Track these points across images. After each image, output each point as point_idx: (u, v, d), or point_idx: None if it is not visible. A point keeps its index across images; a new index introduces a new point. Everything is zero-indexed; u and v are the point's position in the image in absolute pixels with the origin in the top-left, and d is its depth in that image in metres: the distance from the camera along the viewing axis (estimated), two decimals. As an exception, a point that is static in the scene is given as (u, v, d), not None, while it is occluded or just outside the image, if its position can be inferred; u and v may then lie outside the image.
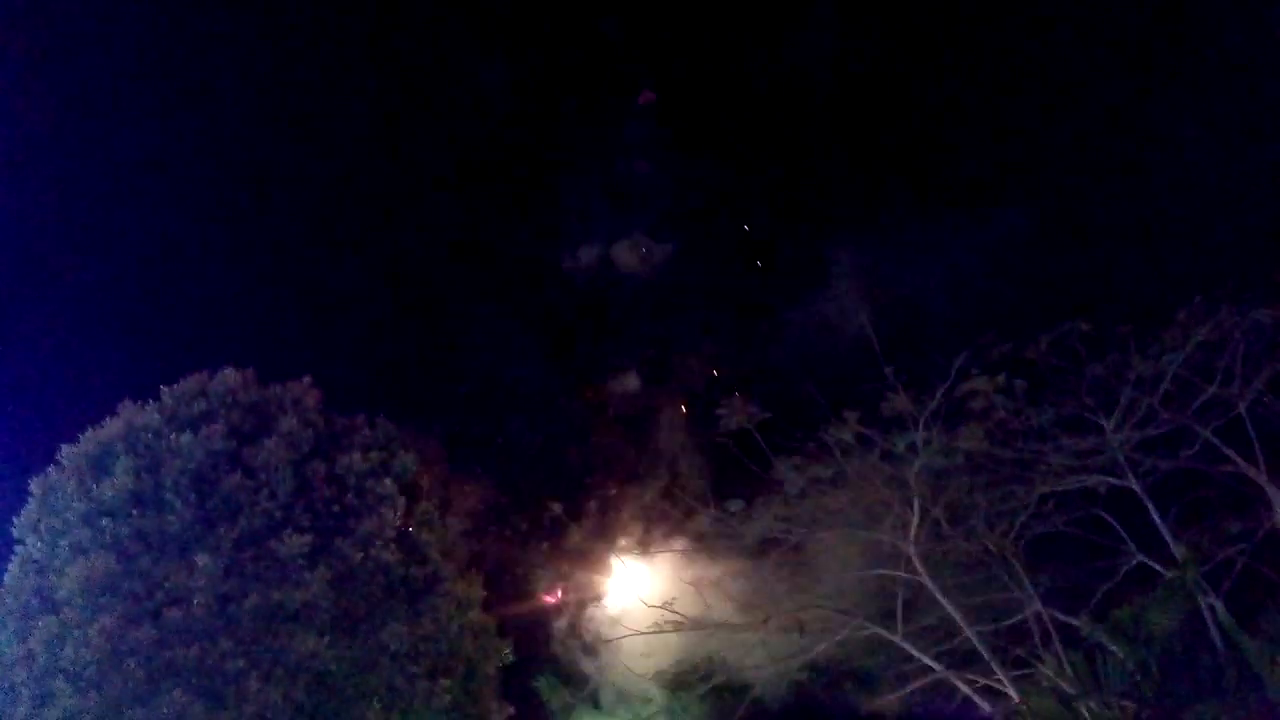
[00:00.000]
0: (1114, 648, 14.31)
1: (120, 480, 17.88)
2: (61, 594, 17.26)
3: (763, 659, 16.30)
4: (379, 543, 18.47)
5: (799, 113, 29.24)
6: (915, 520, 15.39)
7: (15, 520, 18.83)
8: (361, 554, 18.24)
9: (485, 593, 20.61)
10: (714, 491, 17.76)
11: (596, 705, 22.10)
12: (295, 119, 30.00)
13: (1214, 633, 14.73)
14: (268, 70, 29.10)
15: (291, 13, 29.10)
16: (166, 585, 17.28)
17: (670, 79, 30.28)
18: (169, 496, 17.81)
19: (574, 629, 22.98)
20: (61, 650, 16.77)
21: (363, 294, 30.57)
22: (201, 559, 17.17)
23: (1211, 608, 14.85)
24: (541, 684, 17.87)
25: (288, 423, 19.07)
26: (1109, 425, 16.23)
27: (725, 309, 30.12)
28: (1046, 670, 14.58)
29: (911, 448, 15.70)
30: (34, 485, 18.86)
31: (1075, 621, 15.17)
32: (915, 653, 15.39)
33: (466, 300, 30.47)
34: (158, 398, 19.48)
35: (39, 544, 18.31)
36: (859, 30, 27.81)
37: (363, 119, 30.84)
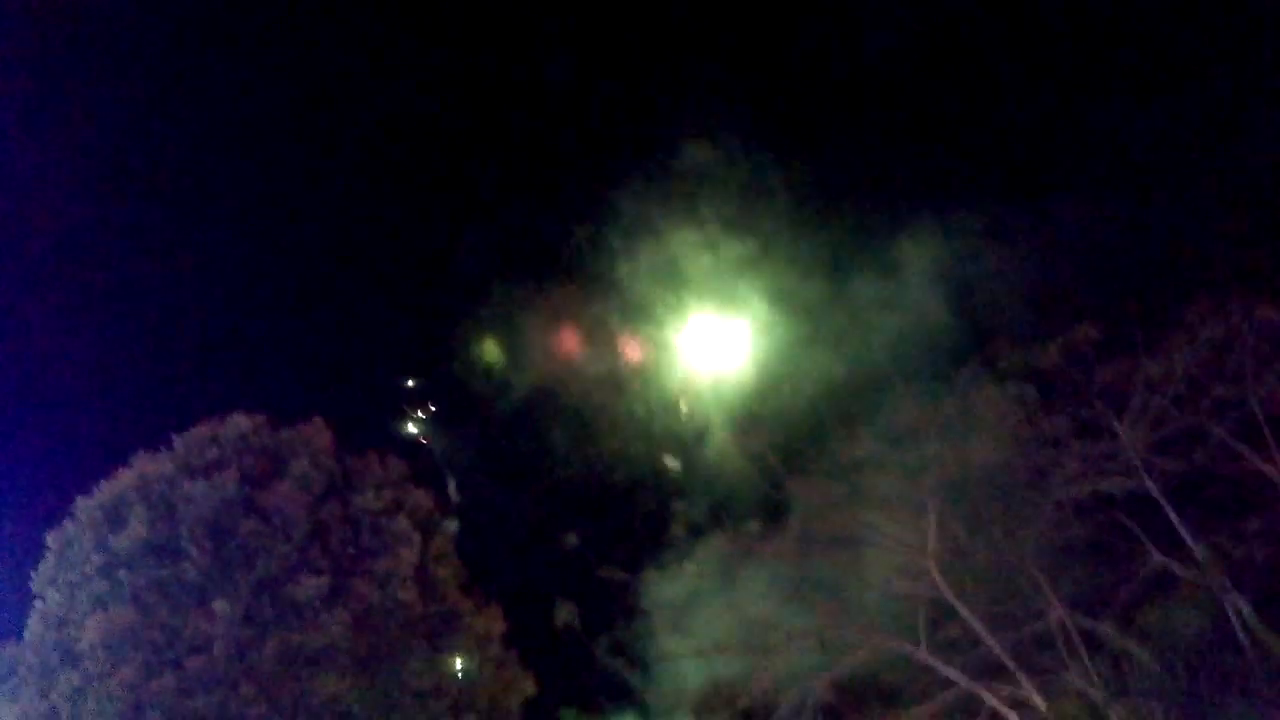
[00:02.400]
0: (1139, 652, 14.21)
1: (136, 530, 17.91)
2: (82, 647, 17.27)
3: (787, 680, 16.20)
4: (396, 581, 18.46)
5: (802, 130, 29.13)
6: (933, 533, 15.31)
7: (34, 574, 18.86)
8: (379, 594, 18.23)
9: (505, 625, 20.56)
10: (730, 512, 17.72)
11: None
12: (311, 154, 30.03)
13: (1240, 633, 14.60)
14: (297, 102, 29.16)
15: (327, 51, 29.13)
16: (186, 634, 17.29)
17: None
18: (185, 545, 17.84)
19: (597, 657, 22.87)
20: (84, 704, 16.78)
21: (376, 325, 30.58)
22: (220, 606, 17.17)
23: (1236, 608, 14.73)
24: (566, 717, 17.77)
25: (300, 465, 19.10)
26: (1122, 428, 16.16)
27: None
28: (1073, 677, 14.46)
29: (926, 461, 15.66)
30: (50, 539, 18.90)
31: (1099, 627, 15.05)
32: (940, 666, 15.26)
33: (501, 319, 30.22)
34: (170, 446, 19.54)
35: (58, 598, 18.33)
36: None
37: (381, 146, 30.82)
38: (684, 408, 27.85)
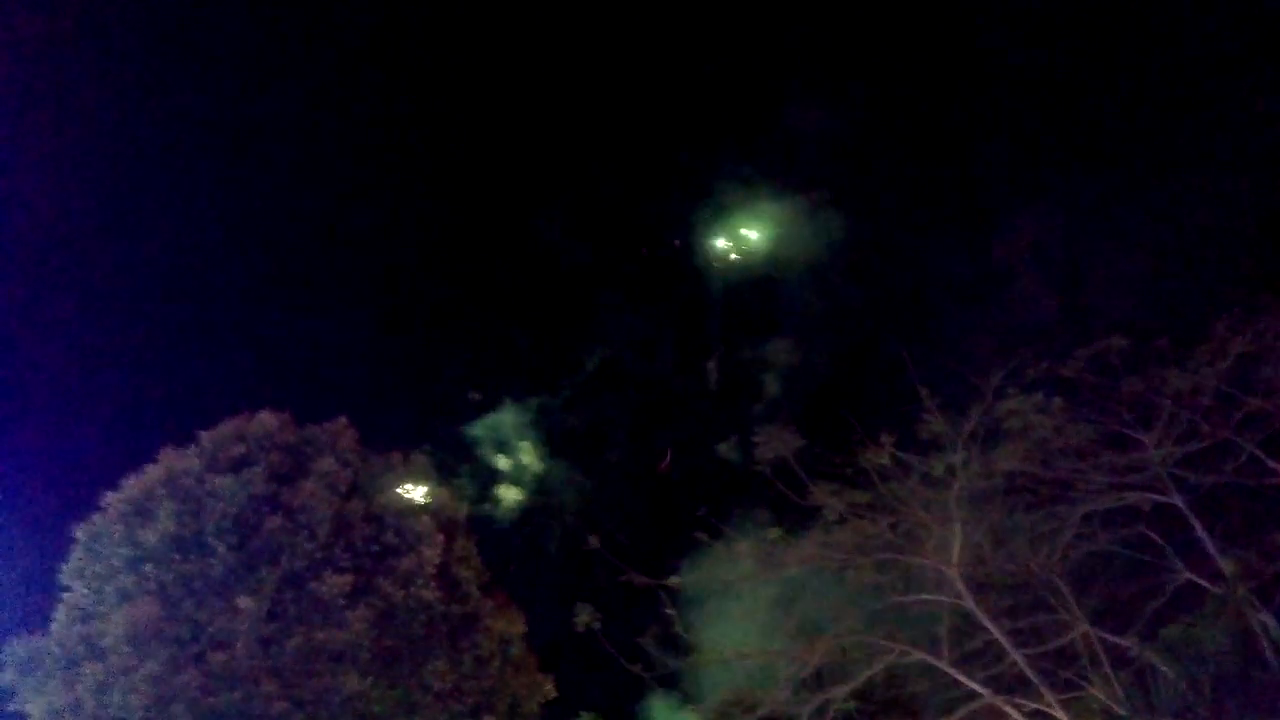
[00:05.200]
0: (1165, 667, 14.07)
1: (163, 525, 18.07)
2: (108, 641, 17.42)
3: (807, 688, 16.13)
4: (419, 580, 18.54)
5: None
6: (957, 543, 15.20)
7: (62, 567, 19.04)
8: (402, 592, 18.31)
9: (526, 627, 20.60)
10: (753, 519, 17.67)
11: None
12: (340, 154, 30.12)
13: (1267, 649, 14.45)
14: (330, 114, 29.31)
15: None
16: (210, 630, 17.41)
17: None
18: (211, 540, 17.98)
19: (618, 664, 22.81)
20: (109, 697, 16.91)
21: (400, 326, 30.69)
22: (244, 602, 17.29)
23: (1263, 624, 14.57)
24: (585, 720, 17.77)
25: (326, 463, 19.22)
26: (1149, 441, 16.02)
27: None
28: (1096, 692, 14.34)
29: (950, 470, 15.56)
30: (79, 532, 19.08)
31: (1124, 642, 14.92)
32: (962, 678, 15.16)
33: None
34: (197, 442, 19.69)
35: (85, 591, 18.52)
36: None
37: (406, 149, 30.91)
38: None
